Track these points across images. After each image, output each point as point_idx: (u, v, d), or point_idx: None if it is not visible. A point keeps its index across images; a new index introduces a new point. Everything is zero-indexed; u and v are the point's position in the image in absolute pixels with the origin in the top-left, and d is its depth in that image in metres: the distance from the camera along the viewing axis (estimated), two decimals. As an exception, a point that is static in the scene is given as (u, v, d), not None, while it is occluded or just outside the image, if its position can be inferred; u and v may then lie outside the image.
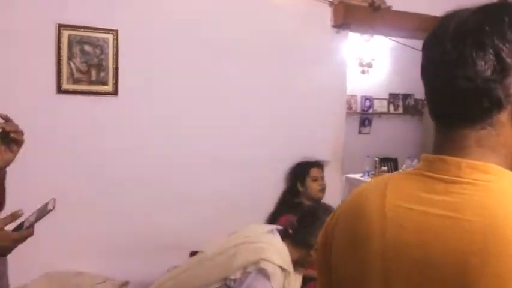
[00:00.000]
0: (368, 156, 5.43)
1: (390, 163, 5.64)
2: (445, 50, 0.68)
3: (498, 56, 0.64)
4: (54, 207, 1.30)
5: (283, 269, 1.75)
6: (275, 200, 2.93)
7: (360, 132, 5.98)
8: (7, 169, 1.39)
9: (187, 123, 2.74)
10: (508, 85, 0.65)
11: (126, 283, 2.38)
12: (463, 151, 0.68)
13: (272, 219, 2.83)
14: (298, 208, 2.80)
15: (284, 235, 1.89)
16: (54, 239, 2.41)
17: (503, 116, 0.66)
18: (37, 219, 1.29)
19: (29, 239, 2.19)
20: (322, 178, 2.84)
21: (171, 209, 2.69)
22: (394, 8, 3.11)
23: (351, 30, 3.24)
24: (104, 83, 2.57)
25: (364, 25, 3.17)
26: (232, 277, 1.74)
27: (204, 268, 1.87)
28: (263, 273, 1.69)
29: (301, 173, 2.83)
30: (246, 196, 2.86)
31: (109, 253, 2.56)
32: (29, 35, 2.37)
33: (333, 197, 3.03)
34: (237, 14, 2.81)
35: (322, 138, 3.12)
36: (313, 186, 2.80)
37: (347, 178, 4.87)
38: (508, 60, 0.64)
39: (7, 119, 1.35)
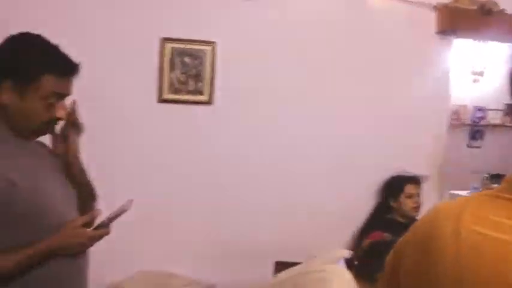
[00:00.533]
0: (477, 173, 4.99)
1: (500, 180, 5.12)
2: None
3: None
4: (129, 208, 1.37)
5: None
6: (366, 213, 2.82)
7: (469, 146, 5.52)
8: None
9: (281, 133, 2.76)
10: None
11: (212, 286, 2.44)
12: None
13: (363, 234, 2.73)
14: (390, 224, 2.68)
15: (349, 265, 1.82)
16: (148, 240, 2.57)
17: None
18: (114, 218, 1.36)
19: (125, 239, 2.37)
20: (418, 195, 2.67)
21: (262, 217, 2.72)
22: (508, 11, 2.83)
23: (458, 36, 3.01)
24: (201, 93, 2.69)
25: (472, 30, 2.93)
26: None
27: None
28: None
29: (396, 188, 2.69)
30: (337, 208, 2.79)
31: (198, 257, 2.65)
32: (135, 48, 2.56)
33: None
34: (335, 23, 2.77)
35: (422, 150, 2.94)
36: (407, 203, 2.64)
37: (451, 195, 4.51)
38: None
39: (74, 109, 1.42)
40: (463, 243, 0.66)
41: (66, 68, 1.32)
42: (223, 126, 2.71)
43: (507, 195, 0.65)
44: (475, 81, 5.19)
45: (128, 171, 2.58)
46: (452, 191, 4.50)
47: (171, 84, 2.65)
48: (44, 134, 1.40)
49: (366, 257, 1.84)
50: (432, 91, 2.95)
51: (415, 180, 2.69)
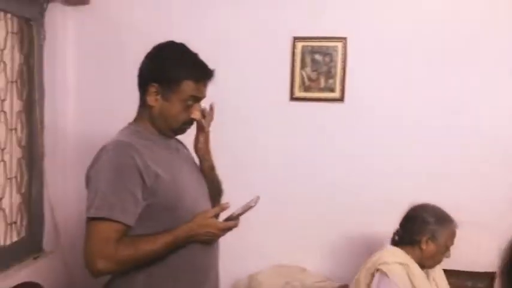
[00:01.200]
0: None
1: None
2: None
3: None
4: (255, 204, 1.43)
5: (400, 263, 1.90)
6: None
7: None
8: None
9: (409, 132, 2.61)
10: None
11: (344, 286, 2.40)
12: None
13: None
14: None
15: (395, 244, 2.04)
16: (282, 234, 2.62)
17: None
18: (242, 213, 1.43)
19: (260, 233, 2.46)
20: None
21: (387, 213, 2.58)
22: None
23: None
24: (332, 90, 2.65)
25: None
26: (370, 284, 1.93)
27: None
28: (383, 274, 1.88)
29: None
30: (488, 209, 2.56)
31: (329, 253, 2.63)
32: (268, 47, 2.64)
33: None
34: (475, 17, 2.53)
35: None
36: None
37: None
38: None
39: (211, 109, 1.58)
40: None
41: (204, 74, 1.47)
42: (354, 124, 2.64)
43: None
44: None
45: (259, 168, 2.66)
46: None
47: (302, 83, 2.66)
48: (182, 133, 1.55)
49: (402, 230, 2.05)
50: None
51: None
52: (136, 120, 1.52)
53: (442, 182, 2.57)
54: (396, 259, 1.93)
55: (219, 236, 1.45)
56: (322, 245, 2.65)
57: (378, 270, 1.91)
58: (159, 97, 1.44)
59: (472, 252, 2.53)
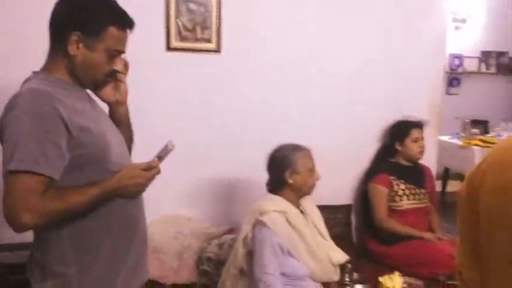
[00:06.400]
0: (457, 118, 5.21)
1: (480, 125, 5.37)
2: None
3: None
4: (174, 147, 1.45)
5: (279, 211, 2.00)
6: (371, 157, 2.93)
7: (447, 93, 5.72)
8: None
9: (288, 80, 2.77)
10: None
11: (231, 230, 2.52)
12: None
13: (368, 177, 2.84)
14: (394, 168, 2.79)
15: (270, 191, 2.14)
16: (162, 185, 2.58)
17: None
18: (162, 159, 1.44)
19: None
20: (422, 139, 2.78)
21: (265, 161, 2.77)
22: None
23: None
24: (208, 41, 2.64)
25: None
26: (250, 236, 2.01)
27: None
28: (262, 224, 1.97)
29: (401, 132, 2.78)
30: (344, 153, 2.89)
31: (212, 202, 2.71)
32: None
33: (429, 157, 2.98)
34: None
35: (420, 97, 3.04)
36: (412, 147, 2.75)
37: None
38: None
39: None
40: None
41: (128, 20, 1.40)
42: (231, 75, 2.69)
43: None
44: (456, 28, 5.32)
45: (137, 120, 2.53)
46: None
47: (178, 32, 2.59)
48: (103, 85, 1.47)
49: (270, 175, 2.16)
50: (430, 38, 3.01)
51: (419, 125, 2.79)
52: (47, 69, 1.38)
53: (314, 129, 2.82)
54: (274, 207, 2.02)
55: (145, 186, 1.42)
56: (204, 195, 2.71)
57: (257, 220, 1.99)
58: (81, 46, 1.33)
59: (332, 188, 2.89)
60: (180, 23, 2.59)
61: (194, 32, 2.62)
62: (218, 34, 2.64)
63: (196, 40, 2.63)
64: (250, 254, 2.01)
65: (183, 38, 2.61)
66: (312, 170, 2.11)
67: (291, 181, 2.07)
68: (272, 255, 1.92)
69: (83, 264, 1.33)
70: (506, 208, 0.79)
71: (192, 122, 2.65)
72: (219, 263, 2.30)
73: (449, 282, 2.42)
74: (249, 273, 2.01)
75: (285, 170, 2.07)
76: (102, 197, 1.31)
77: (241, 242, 2.04)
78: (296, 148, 2.11)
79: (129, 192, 1.38)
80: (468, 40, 5.67)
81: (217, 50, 2.65)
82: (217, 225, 2.61)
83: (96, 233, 1.35)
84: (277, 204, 2.05)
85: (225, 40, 2.65)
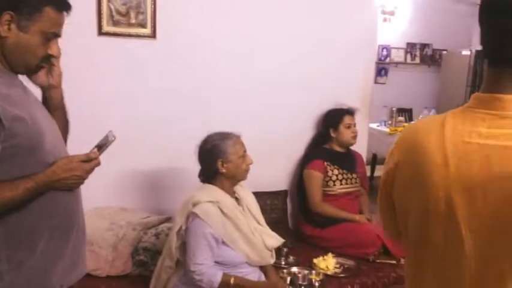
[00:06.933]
0: (385, 106, 5.48)
1: (405, 113, 5.69)
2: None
3: None
4: (115, 138, 1.41)
5: (212, 202, 1.99)
6: (306, 145, 3.02)
7: (376, 82, 5.97)
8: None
9: (223, 67, 2.77)
10: None
11: (169, 218, 2.49)
12: None
13: (304, 163, 2.93)
14: (329, 153, 2.90)
15: (203, 181, 2.14)
16: (98, 176, 2.49)
17: None
18: (102, 150, 1.40)
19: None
20: (355, 125, 2.91)
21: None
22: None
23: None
24: (143, 26, 2.57)
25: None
26: (183, 228, 2.01)
27: None
28: (196, 215, 1.96)
29: (335, 119, 2.89)
30: (280, 140, 2.95)
31: (149, 190, 2.67)
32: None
33: (360, 144, 3.11)
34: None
35: (352, 86, 3.16)
36: (346, 133, 2.87)
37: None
38: None
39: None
40: (449, 153, 0.79)
41: (65, 2, 1.34)
42: (167, 62, 2.64)
43: (481, 110, 0.80)
44: (385, 20, 5.56)
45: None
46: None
47: (111, 16, 2.49)
48: (36, 71, 1.39)
49: (201, 165, 2.13)
50: (361, 28, 3.13)
51: (351, 112, 2.91)
52: None
53: (244, 113, 2.84)
54: (208, 198, 2.00)
55: (84, 179, 1.37)
56: (139, 184, 2.65)
57: (190, 212, 1.98)
58: (13, 26, 1.24)
59: (269, 175, 2.95)
60: (112, 7, 2.50)
61: (128, 16, 2.54)
62: (153, 19, 2.58)
63: (130, 25, 2.55)
64: (184, 245, 2.01)
65: (115, 23, 2.52)
66: (243, 156, 2.12)
67: (223, 170, 2.07)
68: (205, 246, 1.94)
69: (16, 260, 1.26)
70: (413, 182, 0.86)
71: (125, 110, 2.57)
72: (156, 253, 2.27)
73: (378, 261, 2.57)
74: (184, 263, 2.01)
75: (216, 160, 2.06)
76: (37, 190, 1.25)
77: (175, 234, 2.03)
78: (225, 136, 2.10)
79: (66, 185, 1.32)
80: (395, 32, 5.95)
81: (153, 36, 2.59)
82: (156, 215, 2.57)
83: (31, 228, 1.28)
84: (210, 194, 2.04)
85: (161, 25, 2.59)
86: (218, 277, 1.94)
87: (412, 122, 0.91)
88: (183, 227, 2.01)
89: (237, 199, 2.17)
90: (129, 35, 2.55)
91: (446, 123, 0.82)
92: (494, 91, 0.79)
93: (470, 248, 0.77)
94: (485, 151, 0.76)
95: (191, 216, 1.98)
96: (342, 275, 2.42)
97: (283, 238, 2.29)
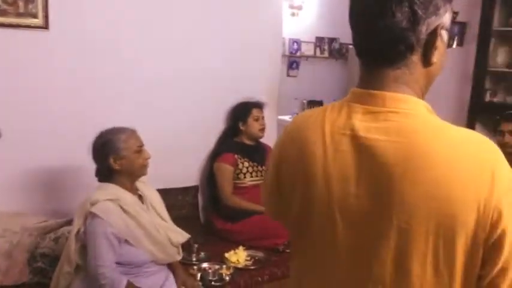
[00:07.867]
0: (296, 99, 5.61)
1: (316, 105, 5.87)
2: (368, 3, 0.81)
3: (412, 8, 0.77)
4: (1, 135, 1.28)
5: (111, 200, 1.92)
6: (215, 139, 2.99)
7: (288, 75, 6.10)
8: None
9: (124, 59, 2.64)
10: (419, 32, 0.79)
11: (70, 221, 2.34)
12: (385, 86, 0.82)
13: (214, 156, 2.91)
14: (238, 146, 2.91)
15: (101, 180, 2.04)
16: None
17: (415, 57, 0.81)
18: None
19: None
20: (263, 118, 2.94)
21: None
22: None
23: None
24: (34, 16, 2.38)
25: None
26: (82, 230, 1.92)
27: None
28: (94, 215, 1.87)
29: (243, 113, 2.90)
30: (190, 135, 2.89)
31: (45, 192, 2.50)
32: None
33: (270, 136, 3.15)
34: None
35: (260, 79, 3.19)
36: (254, 126, 2.89)
37: (278, 120, 5.01)
38: (420, 12, 0.78)
39: None
40: (327, 144, 0.84)
41: None
42: (61, 54, 2.47)
43: (355, 104, 0.84)
44: (293, 14, 5.67)
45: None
46: (278, 116, 5.02)
47: (-5, 5, 2.28)
48: None
49: (96, 163, 2.04)
50: (267, 23, 3.16)
51: (259, 105, 2.94)
52: None
53: (148, 109, 2.75)
54: (106, 196, 1.92)
55: None
56: (33, 186, 2.47)
57: (88, 212, 1.88)
58: None
59: (179, 170, 2.89)
60: (-3, -5, 2.28)
61: (16, 5, 2.34)
62: (45, 9, 2.40)
63: (19, 15, 2.35)
64: (84, 248, 1.91)
65: (2, 13, 2.31)
66: (139, 151, 2.02)
67: (117, 167, 1.97)
68: (107, 247, 1.85)
69: None
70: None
71: (15, 106, 2.37)
72: (55, 259, 2.13)
73: (287, 250, 2.62)
74: (85, 267, 1.91)
75: (108, 157, 1.96)
76: None
77: (74, 238, 1.91)
78: (118, 132, 2.01)
79: None
80: (304, 26, 6.09)
81: (45, 27, 2.41)
82: (54, 218, 2.41)
83: None
84: (109, 192, 1.95)
85: (54, 15, 2.42)
86: (122, 285, 1.85)
87: (300, 113, 0.95)
88: (82, 229, 1.90)
89: (140, 197, 2.09)
90: (18, 26, 2.35)
91: (326, 117, 0.86)
92: (367, 87, 0.84)
93: (341, 233, 0.83)
94: (357, 142, 0.81)
95: (90, 216, 1.88)
96: (252, 267, 2.44)
97: (195, 233, 2.26)
